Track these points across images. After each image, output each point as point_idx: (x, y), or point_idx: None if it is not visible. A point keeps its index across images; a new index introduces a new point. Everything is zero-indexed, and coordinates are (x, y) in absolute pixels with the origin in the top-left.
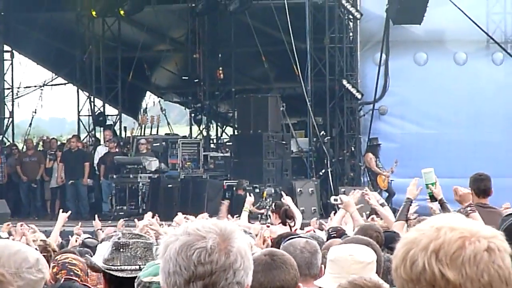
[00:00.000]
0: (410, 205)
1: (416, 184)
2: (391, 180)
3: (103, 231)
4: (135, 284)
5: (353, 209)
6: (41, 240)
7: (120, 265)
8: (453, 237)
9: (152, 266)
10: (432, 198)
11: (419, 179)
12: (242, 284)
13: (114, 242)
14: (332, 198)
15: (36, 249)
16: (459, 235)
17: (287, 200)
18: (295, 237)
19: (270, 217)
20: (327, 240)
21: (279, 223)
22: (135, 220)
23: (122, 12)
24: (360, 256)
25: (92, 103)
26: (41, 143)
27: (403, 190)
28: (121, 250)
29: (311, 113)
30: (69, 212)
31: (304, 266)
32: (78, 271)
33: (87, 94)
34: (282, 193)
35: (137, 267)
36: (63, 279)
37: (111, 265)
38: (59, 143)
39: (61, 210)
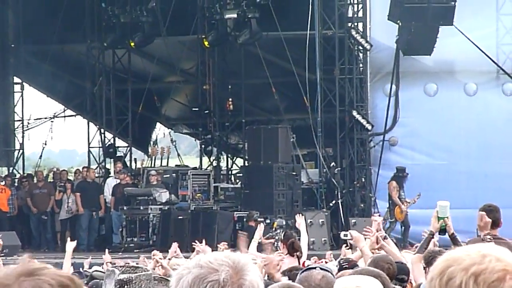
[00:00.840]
0: (432, 238)
1: (436, 216)
2: (407, 213)
3: (112, 264)
4: None
5: (362, 244)
6: None
7: None
8: (496, 267)
9: None
10: (443, 231)
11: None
12: None
13: (117, 280)
14: (342, 233)
15: None
16: (503, 267)
17: (300, 223)
18: (311, 268)
19: (279, 248)
20: (339, 271)
21: (286, 254)
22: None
23: (132, 44)
24: (366, 287)
25: (103, 135)
26: (51, 174)
27: (413, 220)
28: (126, 287)
29: (321, 144)
30: (75, 241)
31: None
32: None
33: (97, 126)
34: (296, 216)
35: None
36: None
37: None
38: (69, 174)
39: (68, 239)
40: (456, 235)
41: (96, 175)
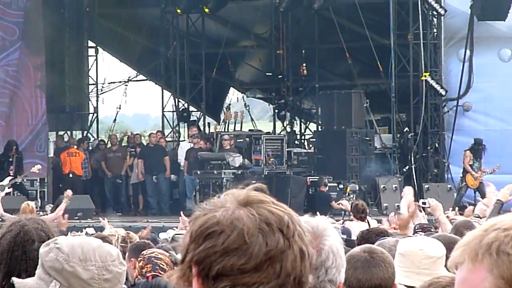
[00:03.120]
0: (501, 207)
1: (511, 189)
2: (481, 182)
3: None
4: None
5: (439, 213)
6: (124, 233)
7: None
8: None
9: None
10: None
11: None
12: (335, 282)
13: None
14: (421, 201)
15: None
16: None
17: (406, 191)
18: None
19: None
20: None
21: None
22: None
23: (206, 10)
24: (430, 250)
25: (176, 99)
26: (125, 138)
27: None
28: None
29: (395, 109)
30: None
31: None
32: (164, 265)
33: (171, 92)
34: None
35: None
36: (150, 276)
37: None
38: (143, 138)
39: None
40: None
41: (170, 139)
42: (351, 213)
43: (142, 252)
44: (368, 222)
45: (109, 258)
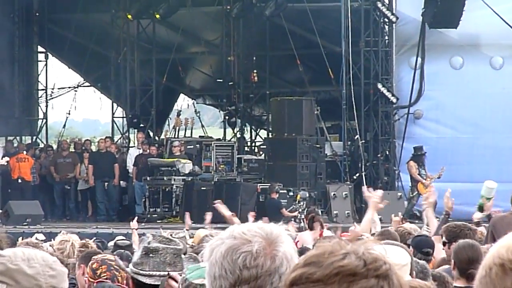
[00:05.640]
0: (448, 218)
1: (449, 196)
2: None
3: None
4: (180, 285)
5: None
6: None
7: (149, 271)
8: None
9: (198, 269)
10: (480, 209)
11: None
12: None
13: (144, 247)
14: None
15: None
16: None
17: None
18: None
19: (303, 221)
20: None
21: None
22: None
23: (157, 16)
24: (395, 257)
25: (127, 105)
26: (72, 144)
27: (439, 195)
28: (151, 255)
29: (346, 117)
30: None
31: None
32: (117, 267)
33: (121, 99)
34: (364, 188)
35: (166, 273)
36: (108, 273)
37: (140, 270)
38: (93, 144)
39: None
40: (492, 216)
41: (120, 145)
42: (303, 221)
43: (93, 257)
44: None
45: (50, 259)
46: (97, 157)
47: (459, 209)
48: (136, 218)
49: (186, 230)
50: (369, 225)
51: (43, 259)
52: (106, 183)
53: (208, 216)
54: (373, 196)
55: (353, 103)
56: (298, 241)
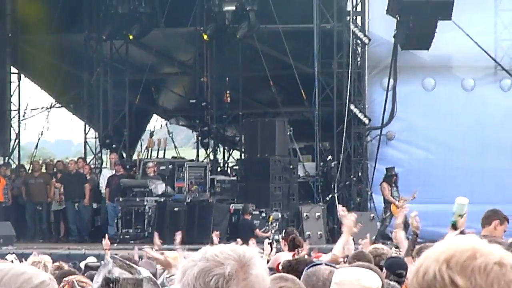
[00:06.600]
0: (416, 238)
1: (415, 217)
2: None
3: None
4: None
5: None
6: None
7: None
8: (465, 247)
9: None
10: (454, 227)
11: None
12: None
13: (105, 277)
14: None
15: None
16: (471, 246)
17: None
18: (318, 265)
19: (277, 241)
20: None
21: (287, 250)
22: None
23: (130, 37)
24: (367, 280)
25: (100, 126)
26: (44, 165)
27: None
28: (111, 285)
29: (318, 138)
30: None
31: None
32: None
33: (92, 120)
34: (339, 207)
35: None
36: None
37: None
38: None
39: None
40: (465, 233)
41: (92, 166)
42: (277, 241)
43: (64, 278)
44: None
45: (26, 286)
46: (67, 178)
47: (431, 230)
48: (106, 236)
49: (155, 250)
50: (343, 249)
51: (17, 285)
52: (76, 204)
53: (178, 236)
54: (347, 217)
55: (326, 124)
56: (279, 263)
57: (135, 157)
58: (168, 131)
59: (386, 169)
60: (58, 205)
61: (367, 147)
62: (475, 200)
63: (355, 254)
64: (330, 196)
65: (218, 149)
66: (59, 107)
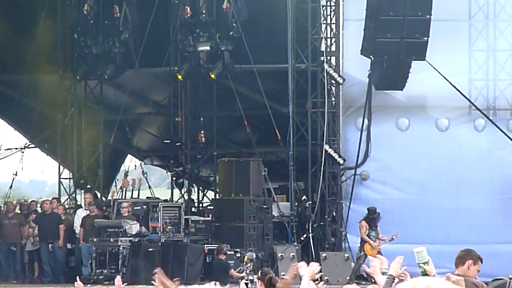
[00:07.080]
0: (393, 282)
1: (400, 263)
2: (379, 251)
3: None
4: None
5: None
6: None
7: None
8: (420, 285)
9: None
10: (425, 276)
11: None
12: None
13: None
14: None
15: None
16: (424, 285)
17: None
18: None
19: (251, 282)
20: None
21: None
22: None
23: (105, 77)
24: None
25: (74, 166)
26: (18, 205)
27: (385, 256)
28: None
29: (293, 178)
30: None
31: None
32: None
33: (70, 156)
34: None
35: None
36: None
37: None
38: (38, 205)
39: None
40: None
41: (67, 206)
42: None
43: None
44: None
45: None
46: (43, 218)
47: (406, 271)
48: (78, 279)
49: None
50: None
51: None
52: (50, 245)
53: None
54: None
55: (301, 164)
56: None
57: (109, 197)
58: (143, 171)
59: (368, 209)
60: (32, 245)
61: (342, 187)
62: (449, 240)
63: None
64: (304, 236)
65: (192, 189)
66: (33, 147)
